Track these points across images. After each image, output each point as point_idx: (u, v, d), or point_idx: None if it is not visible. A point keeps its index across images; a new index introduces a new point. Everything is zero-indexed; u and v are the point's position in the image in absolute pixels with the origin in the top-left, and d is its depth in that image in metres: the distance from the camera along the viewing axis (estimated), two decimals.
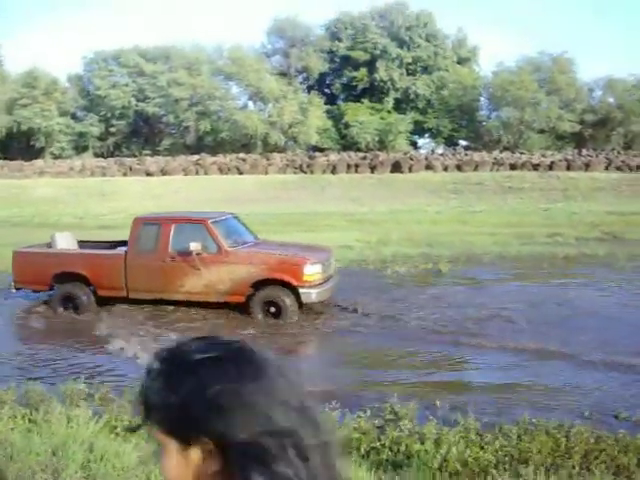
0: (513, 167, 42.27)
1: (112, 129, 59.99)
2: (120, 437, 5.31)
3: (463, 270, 15.35)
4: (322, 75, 67.21)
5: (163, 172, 43.82)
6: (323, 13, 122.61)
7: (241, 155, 48.64)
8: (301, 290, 10.56)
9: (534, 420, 5.90)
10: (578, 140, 57.70)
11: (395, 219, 26.29)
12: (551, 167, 41.46)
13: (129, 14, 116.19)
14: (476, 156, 45.66)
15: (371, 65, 64.24)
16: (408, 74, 64.75)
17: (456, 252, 17.57)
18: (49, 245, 12.41)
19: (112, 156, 53.90)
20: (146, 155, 51.62)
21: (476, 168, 42.17)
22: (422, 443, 5.46)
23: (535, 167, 41.71)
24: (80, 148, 59.54)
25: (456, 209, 30.99)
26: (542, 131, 57.50)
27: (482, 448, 5.37)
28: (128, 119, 60.15)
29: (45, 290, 11.90)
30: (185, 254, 10.95)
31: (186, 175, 43.38)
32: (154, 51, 61.18)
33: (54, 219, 27.04)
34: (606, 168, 41.53)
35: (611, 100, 59.67)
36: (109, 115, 59.51)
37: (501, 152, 48.58)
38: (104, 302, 11.69)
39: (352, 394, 7.33)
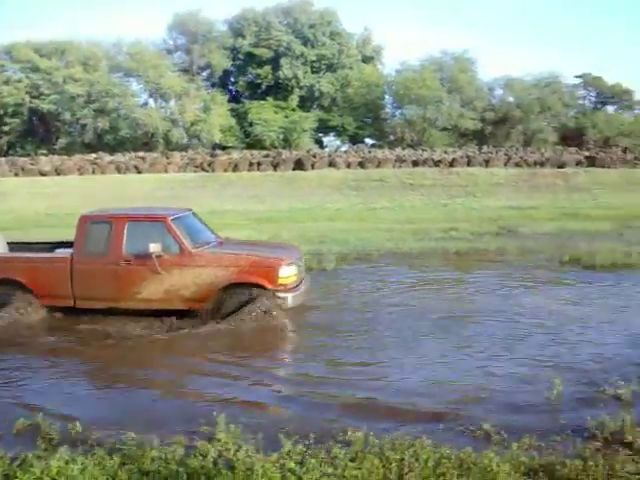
0: (415, 164, 42.44)
1: (5, 127, 57.13)
2: None
3: (349, 267, 14.87)
4: (226, 72, 66.14)
5: (58, 172, 41.76)
6: (226, 9, 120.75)
7: (140, 154, 47.03)
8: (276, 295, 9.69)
9: (373, 437, 5.32)
10: (479, 137, 58.88)
11: (294, 217, 25.74)
12: (452, 164, 41.81)
13: (27, 8, 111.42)
14: (379, 153, 45.72)
15: (275, 63, 63.65)
16: (312, 72, 64.48)
17: (348, 249, 17.10)
18: None
19: (6, 156, 51.22)
20: (42, 155, 49.23)
21: (379, 165, 42.09)
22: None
23: (437, 164, 42.01)
24: None
25: (357, 206, 30.70)
26: (445, 129, 58.31)
27: None
28: (22, 117, 57.31)
29: None
30: (143, 256, 9.62)
31: (82, 175, 41.55)
32: (49, 46, 58.55)
33: None
34: (505, 164, 42.22)
35: (510, 99, 61.12)
36: (1, 113, 56.66)
37: (404, 149, 48.85)
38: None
39: None
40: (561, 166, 41.91)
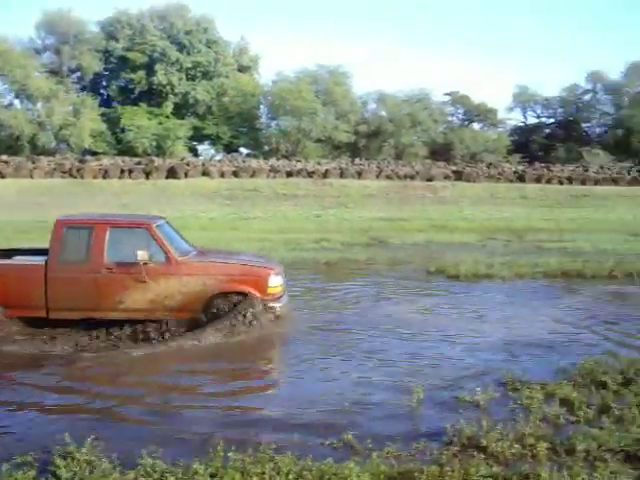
0: (289, 174, 42.76)
1: None
2: None
3: None
4: (97, 76, 64.16)
5: None
6: (99, 10, 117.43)
7: (4, 157, 44.74)
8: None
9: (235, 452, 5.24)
10: (353, 150, 59.96)
11: None
12: (326, 175, 42.41)
13: None
14: (253, 163, 45.74)
15: (149, 68, 62.34)
16: (188, 79, 63.62)
17: None
18: None
19: None
20: None
21: (253, 175, 42.10)
22: None
23: (310, 175, 42.48)
24: None
25: (230, 216, 30.50)
26: (319, 140, 58.95)
27: None
28: None
29: None
30: (127, 264, 9.19)
31: None
32: None
33: None
34: (377, 177, 43.26)
35: (383, 113, 62.60)
36: None
37: (278, 160, 49.08)
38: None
39: None
40: (430, 179, 43.42)
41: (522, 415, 6.36)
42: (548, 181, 46.27)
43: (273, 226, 25.81)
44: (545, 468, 5.09)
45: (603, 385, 7.22)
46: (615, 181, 47.87)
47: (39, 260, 9.53)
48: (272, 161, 47.37)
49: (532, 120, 71.61)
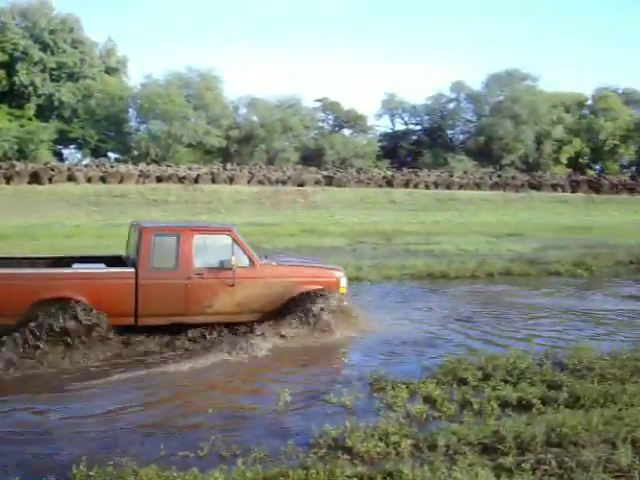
0: (160, 180, 42.01)
1: None
2: None
3: None
4: None
5: None
6: None
7: None
8: None
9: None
10: (225, 155, 59.65)
11: (29, 233, 24.05)
12: (197, 180, 41.94)
13: None
14: (122, 168, 44.47)
15: (11, 67, 59.31)
16: (52, 80, 61.06)
17: None
18: None
19: None
20: None
21: (122, 180, 41.06)
22: None
23: (181, 180, 41.89)
24: None
25: (97, 222, 29.52)
26: (190, 145, 58.21)
27: None
28: None
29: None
30: (216, 269, 9.47)
31: None
32: None
33: None
34: (249, 182, 43.22)
35: (254, 118, 62.61)
36: None
37: (148, 165, 48.07)
38: None
39: None
40: (302, 184, 43.84)
41: (387, 414, 6.49)
42: (415, 186, 47.82)
43: None
44: (408, 465, 5.20)
45: (464, 381, 7.49)
46: (478, 186, 50.14)
47: (128, 269, 9.43)
48: (142, 166, 46.27)
49: (400, 127, 73.90)
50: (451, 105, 72.43)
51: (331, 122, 71.98)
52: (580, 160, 69.45)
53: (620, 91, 73.81)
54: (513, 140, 65.02)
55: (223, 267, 9.49)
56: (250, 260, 9.72)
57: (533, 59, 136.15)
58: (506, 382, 7.43)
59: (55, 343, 8.40)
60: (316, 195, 41.33)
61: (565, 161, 68.08)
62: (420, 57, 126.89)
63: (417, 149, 69.79)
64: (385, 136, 72.25)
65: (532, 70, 70.04)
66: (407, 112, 73.26)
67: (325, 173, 48.50)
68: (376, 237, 24.88)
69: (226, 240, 9.74)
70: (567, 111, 69.83)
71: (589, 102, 73.80)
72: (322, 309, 9.76)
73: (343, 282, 10.49)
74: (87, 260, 10.22)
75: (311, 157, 61.06)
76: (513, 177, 54.46)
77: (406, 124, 74.13)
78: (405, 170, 54.32)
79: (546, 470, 5.20)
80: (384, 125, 75.59)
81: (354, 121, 70.34)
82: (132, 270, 9.29)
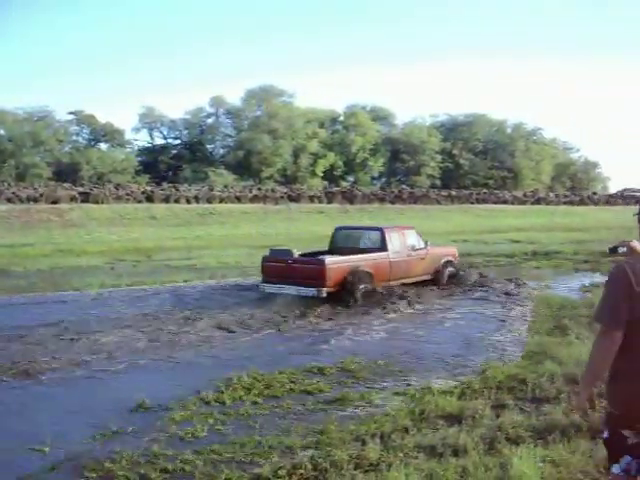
0: None
1: None
2: None
3: None
4: None
5: None
6: None
7: None
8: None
9: None
10: None
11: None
12: None
13: None
14: None
15: None
16: None
17: None
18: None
19: None
20: None
21: None
22: None
23: None
24: None
25: None
26: None
27: None
28: None
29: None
30: (417, 250, 15.54)
31: None
32: None
33: None
34: None
35: (1, 132, 58.73)
36: None
37: None
38: None
39: None
40: (56, 202, 41.70)
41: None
42: (176, 201, 47.47)
43: None
44: None
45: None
46: (238, 199, 50.94)
47: (385, 253, 14.95)
48: None
49: (159, 141, 73.09)
50: (210, 120, 73.00)
51: (87, 136, 69.39)
52: (334, 172, 73.25)
53: (368, 108, 78.97)
54: (271, 154, 66.99)
55: (419, 248, 15.59)
56: (425, 245, 15.83)
57: (287, 75, 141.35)
58: None
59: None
60: (72, 212, 39.50)
61: (321, 173, 71.45)
62: (179, 71, 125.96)
63: (177, 163, 69.50)
64: (144, 150, 71.22)
65: (287, 86, 72.82)
66: (166, 126, 72.72)
67: (81, 189, 46.52)
68: (136, 254, 24.34)
69: (413, 234, 15.86)
70: (321, 126, 73.31)
71: (341, 118, 78.10)
72: (456, 270, 16.84)
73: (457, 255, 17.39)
74: (317, 254, 15.39)
75: (66, 172, 58.38)
76: (272, 190, 56.04)
77: (165, 138, 73.63)
78: (165, 185, 53.79)
79: (302, 474, 5.30)
80: (143, 139, 74.43)
81: (111, 135, 68.40)
82: (388, 254, 14.88)
